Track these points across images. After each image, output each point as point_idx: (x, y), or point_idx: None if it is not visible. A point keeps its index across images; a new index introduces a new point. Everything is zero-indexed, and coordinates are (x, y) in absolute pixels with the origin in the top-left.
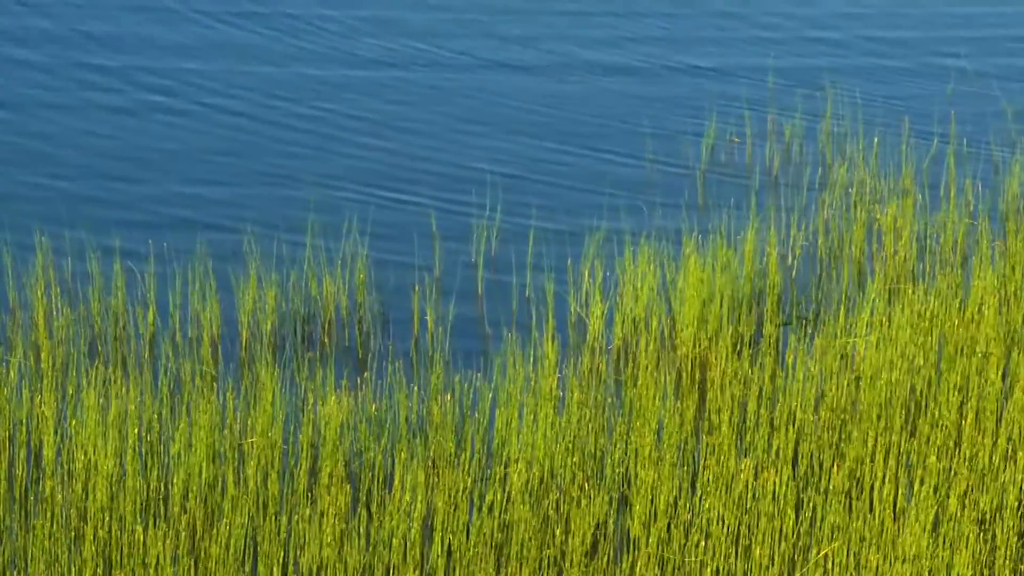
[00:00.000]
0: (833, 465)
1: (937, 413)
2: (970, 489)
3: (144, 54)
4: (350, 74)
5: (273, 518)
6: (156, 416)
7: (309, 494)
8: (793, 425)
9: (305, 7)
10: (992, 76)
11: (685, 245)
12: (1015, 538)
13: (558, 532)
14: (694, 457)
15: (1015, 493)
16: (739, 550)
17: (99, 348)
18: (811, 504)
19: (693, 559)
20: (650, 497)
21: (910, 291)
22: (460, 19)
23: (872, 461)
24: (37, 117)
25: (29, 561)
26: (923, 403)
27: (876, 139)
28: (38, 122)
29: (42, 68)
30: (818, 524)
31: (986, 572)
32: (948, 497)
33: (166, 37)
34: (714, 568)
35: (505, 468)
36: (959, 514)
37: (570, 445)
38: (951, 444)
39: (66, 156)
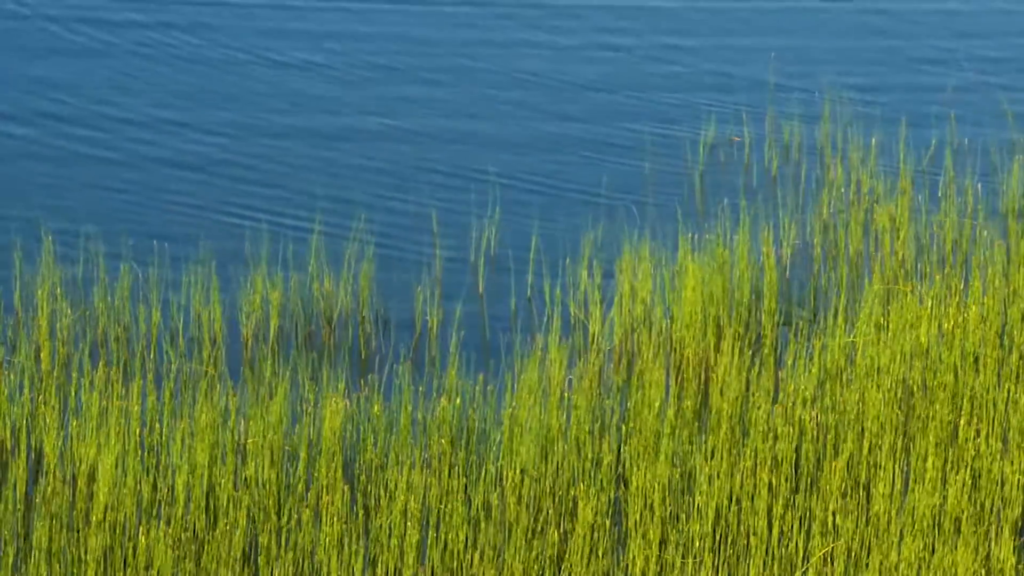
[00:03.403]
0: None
1: (935, 412)
2: (968, 489)
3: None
4: (363, 75)
5: (274, 518)
6: (158, 416)
7: (310, 494)
8: (792, 425)
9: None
10: (992, 76)
11: (684, 245)
12: (1014, 538)
13: (558, 532)
14: (693, 457)
15: (1014, 493)
16: (738, 550)
17: (101, 349)
18: (810, 504)
19: (692, 559)
20: (649, 497)
21: (908, 291)
22: (477, 13)
23: (870, 461)
24: (40, 120)
25: (31, 563)
26: (921, 402)
27: (874, 139)
28: (42, 123)
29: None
30: (817, 524)
31: (983, 572)
32: (946, 497)
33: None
34: (713, 568)
35: (504, 468)
36: (957, 514)
37: (570, 445)
38: (949, 444)
39: (70, 158)
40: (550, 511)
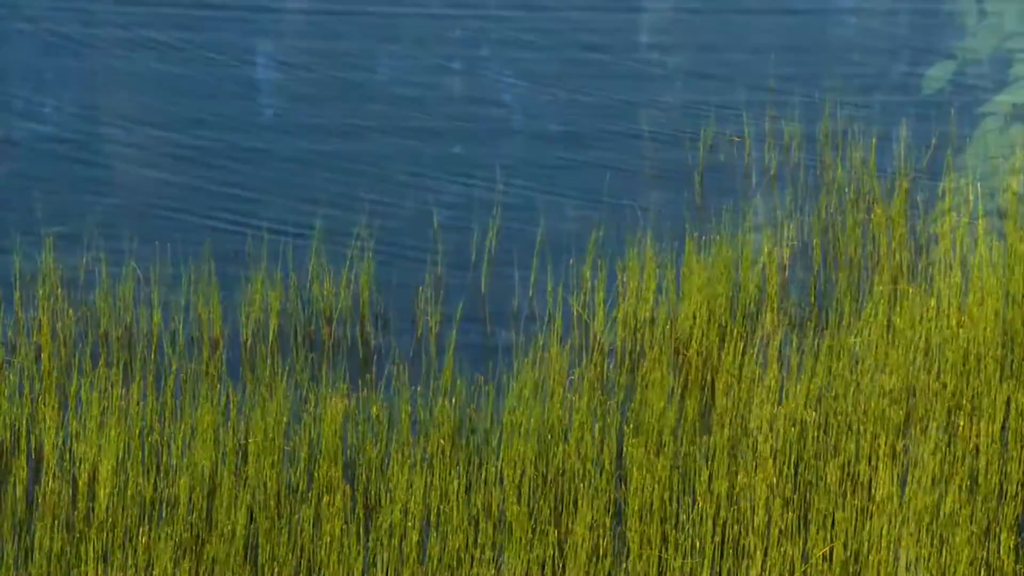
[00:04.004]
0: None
1: (935, 412)
2: (967, 489)
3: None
4: (357, 81)
5: (274, 518)
6: (158, 416)
7: (310, 494)
8: (793, 425)
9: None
10: (989, 74)
11: (687, 246)
12: (1014, 538)
13: (558, 532)
14: (694, 458)
15: (1013, 493)
16: (738, 550)
17: (101, 349)
18: (809, 504)
19: (692, 560)
20: (650, 498)
21: (909, 291)
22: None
23: (870, 461)
24: (28, 133)
25: (31, 563)
26: (921, 402)
27: (874, 139)
28: (29, 136)
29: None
30: (816, 524)
31: (982, 572)
32: (946, 497)
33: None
34: (714, 569)
35: (504, 468)
36: (956, 513)
37: (571, 445)
38: (949, 444)
39: (64, 168)
40: (550, 511)
